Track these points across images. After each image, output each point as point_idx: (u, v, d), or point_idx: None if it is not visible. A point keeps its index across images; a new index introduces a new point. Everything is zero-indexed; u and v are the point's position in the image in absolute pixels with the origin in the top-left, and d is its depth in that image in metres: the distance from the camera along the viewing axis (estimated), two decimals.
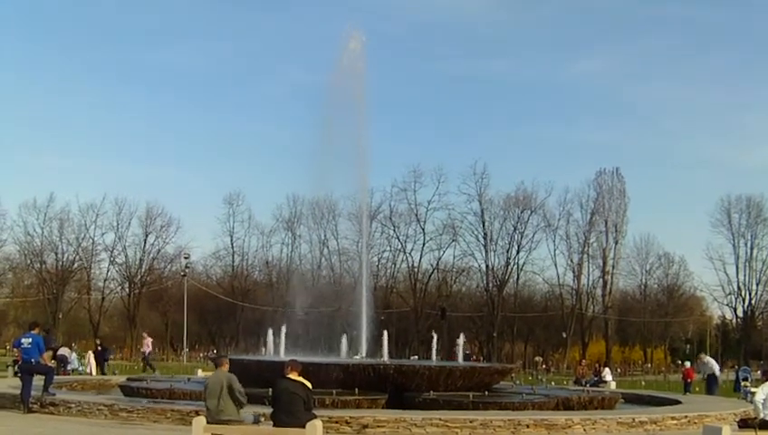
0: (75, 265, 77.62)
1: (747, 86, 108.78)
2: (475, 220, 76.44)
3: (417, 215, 76.97)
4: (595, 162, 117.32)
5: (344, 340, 28.79)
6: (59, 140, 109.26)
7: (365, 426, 15.29)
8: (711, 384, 30.11)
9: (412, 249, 78.15)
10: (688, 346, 78.12)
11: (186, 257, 72.44)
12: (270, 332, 28.64)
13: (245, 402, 11.76)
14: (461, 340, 31.12)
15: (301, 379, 11.57)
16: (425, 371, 21.15)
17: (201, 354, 65.93)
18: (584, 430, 16.17)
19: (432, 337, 30.85)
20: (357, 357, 27.81)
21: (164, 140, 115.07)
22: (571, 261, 77.14)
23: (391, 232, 77.61)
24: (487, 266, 76.63)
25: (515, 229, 76.06)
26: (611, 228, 77.36)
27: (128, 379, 25.85)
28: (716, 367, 31.41)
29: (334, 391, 18.25)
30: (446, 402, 18.63)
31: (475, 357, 59.67)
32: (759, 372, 44.71)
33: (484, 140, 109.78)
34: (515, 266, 77.02)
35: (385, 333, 28.39)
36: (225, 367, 12.32)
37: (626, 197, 77.73)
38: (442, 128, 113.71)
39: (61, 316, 73.86)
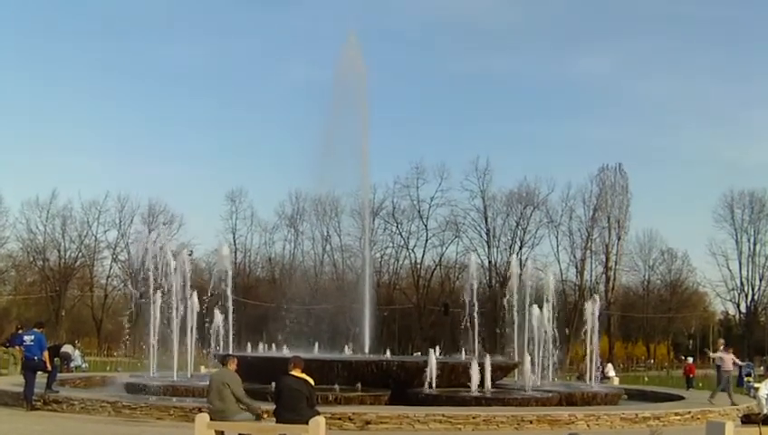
0: (78, 262, 77.63)
1: (750, 82, 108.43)
2: (477, 216, 76.47)
3: (419, 211, 76.99)
4: (598, 158, 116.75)
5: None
6: (61, 138, 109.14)
7: (368, 422, 15.29)
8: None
9: (415, 245, 78.15)
10: (691, 342, 78.06)
11: (188, 254, 72.40)
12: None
13: (247, 404, 11.73)
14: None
15: (303, 375, 11.54)
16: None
17: (204, 351, 65.85)
18: (587, 425, 16.18)
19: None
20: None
21: (166, 137, 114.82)
22: (574, 257, 77.06)
23: (394, 228, 77.69)
24: (490, 262, 76.66)
25: (518, 225, 76.13)
26: (614, 224, 77.21)
27: (131, 376, 25.88)
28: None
29: (337, 388, 18.25)
30: (448, 398, 18.64)
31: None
32: (762, 367, 44.81)
33: (486, 136, 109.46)
34: (518, 262, 76.82)
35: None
36: (231, 366, 12.28)
37: (628, 192, 77.52)
38: (445, 124, 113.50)
39: (63, 314, 73.89)
